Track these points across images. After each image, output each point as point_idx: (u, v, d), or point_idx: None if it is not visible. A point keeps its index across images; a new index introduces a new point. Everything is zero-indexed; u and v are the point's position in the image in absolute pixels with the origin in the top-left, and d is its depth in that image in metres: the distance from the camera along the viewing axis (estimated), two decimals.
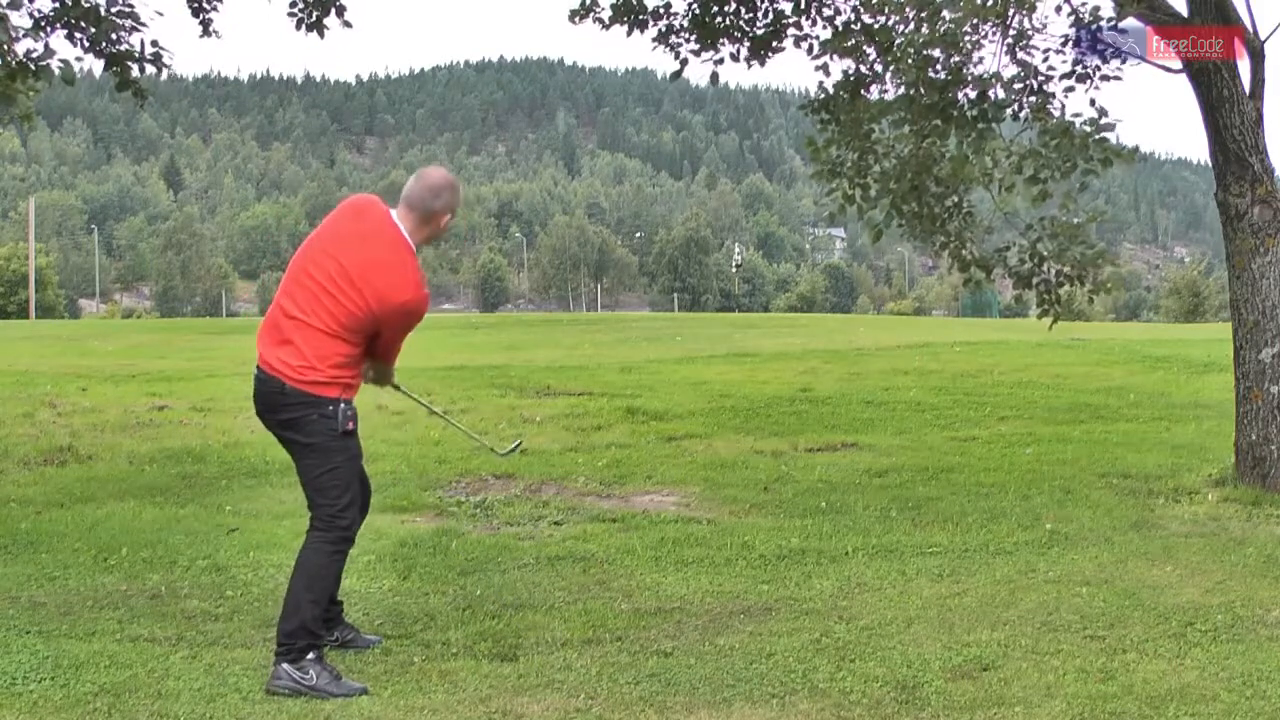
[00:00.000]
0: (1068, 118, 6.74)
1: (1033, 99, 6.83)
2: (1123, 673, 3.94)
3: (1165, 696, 3.71)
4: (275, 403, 4.03)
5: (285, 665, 3.90)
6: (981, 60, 6.87)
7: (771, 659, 4.12)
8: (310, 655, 3.92)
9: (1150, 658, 4.09)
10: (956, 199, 7.64)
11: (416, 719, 3.62)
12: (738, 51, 8.45)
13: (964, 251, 7.67)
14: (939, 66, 6.74)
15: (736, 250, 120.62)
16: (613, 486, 7.46)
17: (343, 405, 3.98)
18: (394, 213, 4.10)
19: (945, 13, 6.50)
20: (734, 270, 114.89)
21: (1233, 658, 4.08)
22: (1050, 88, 6.90)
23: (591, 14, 8.47)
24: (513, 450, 5.60)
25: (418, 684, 3.89)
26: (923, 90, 6.79)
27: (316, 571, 4.03)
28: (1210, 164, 7.24)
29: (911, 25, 6.85)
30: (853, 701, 3.73)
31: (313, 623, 3.97)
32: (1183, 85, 7.26)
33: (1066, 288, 7.43)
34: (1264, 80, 7.10)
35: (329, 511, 4.06)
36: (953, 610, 4.69)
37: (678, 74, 8.56)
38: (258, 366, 4.07)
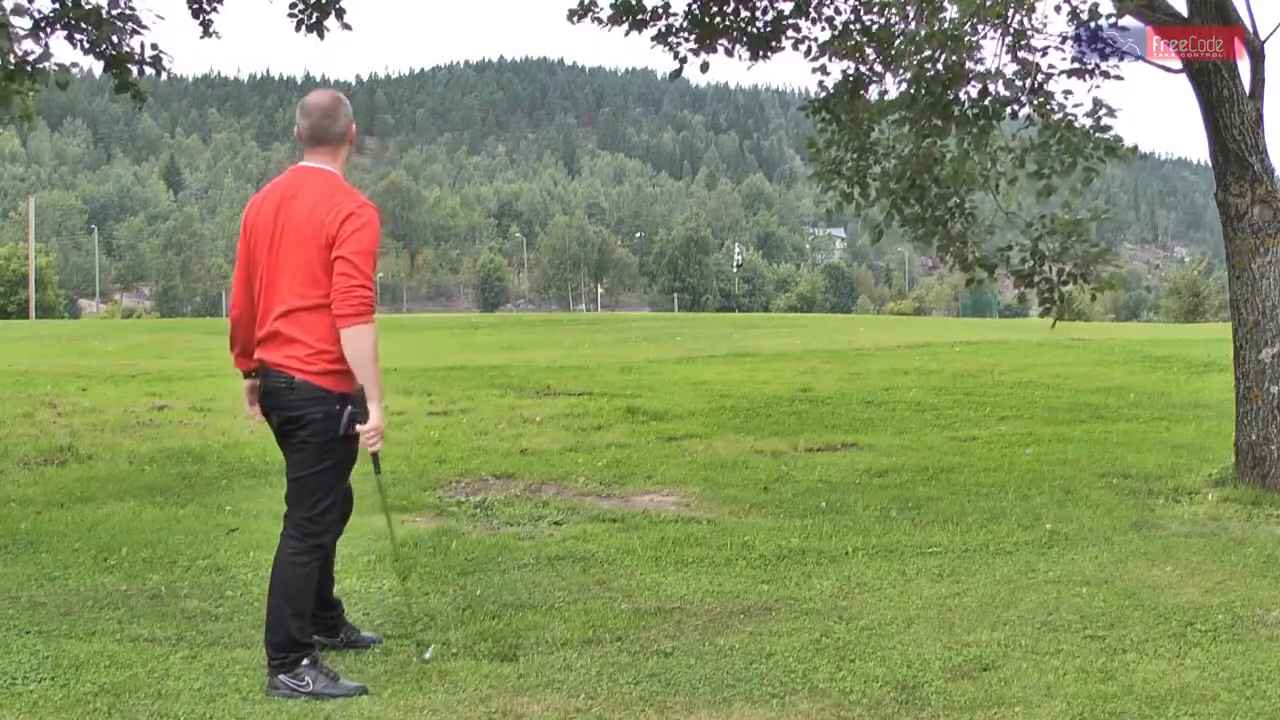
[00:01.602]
0: (1069, 112, 6.76)
1: (1034, 96, 6.83)
2: (1123, 673, 3.94)
3: (1165, 696, 3.71)
4: (282, 399, 3.92)
5: (281, 676, 3.86)
6: (982, 60, 6.88)
7: (771, 659, 4.12)
8: (304, 663, 3.87)
9: (1150, 658, 4.09)
10: (958, 200, 7.64)
11: (416, 719, 3.62)
12: (733, 48, 8.44)
13: (966, 251, 7.68)
14: (939, 63, 6.74)
15: (736, 250, 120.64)
16: (613, 486, 7.46)
17: (349, 407, 3.87)
18: (305, 163, 4.06)
19: (946, 7, 6.50)
20: (734, 270, 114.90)
21: (1233, 658, 4.07)
22: (1050, 86, 6.91)
23: (590, 13, 8.46)
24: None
25: (418, 684, 3.89)
26: (923, 88, 6.80)
27: (292, 584, 3.94)
28: (1210, 164, 7.24)
29: (912, 23, 6.86)
30: (853, 701, 3.73)
31: (299, 633, 3.91)
32: (1183, 85, 7.26)
33: (1069, 286, 7.43)
34: (1264, 80, 7.10)
35: (304, 516, 3.96)
36: (953, 610, 4.69)
37: (677, 73, 8.57)
38: (262, 367, 3.98)
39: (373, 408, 3.84)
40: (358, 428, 3.86)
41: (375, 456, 3.99)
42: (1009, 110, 6.92)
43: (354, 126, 4.14)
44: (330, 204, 3.88)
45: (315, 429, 3.88)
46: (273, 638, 3.90)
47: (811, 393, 11.88)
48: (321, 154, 4.04)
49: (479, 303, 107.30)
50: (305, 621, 3.96)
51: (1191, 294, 59.48)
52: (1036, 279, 7.48)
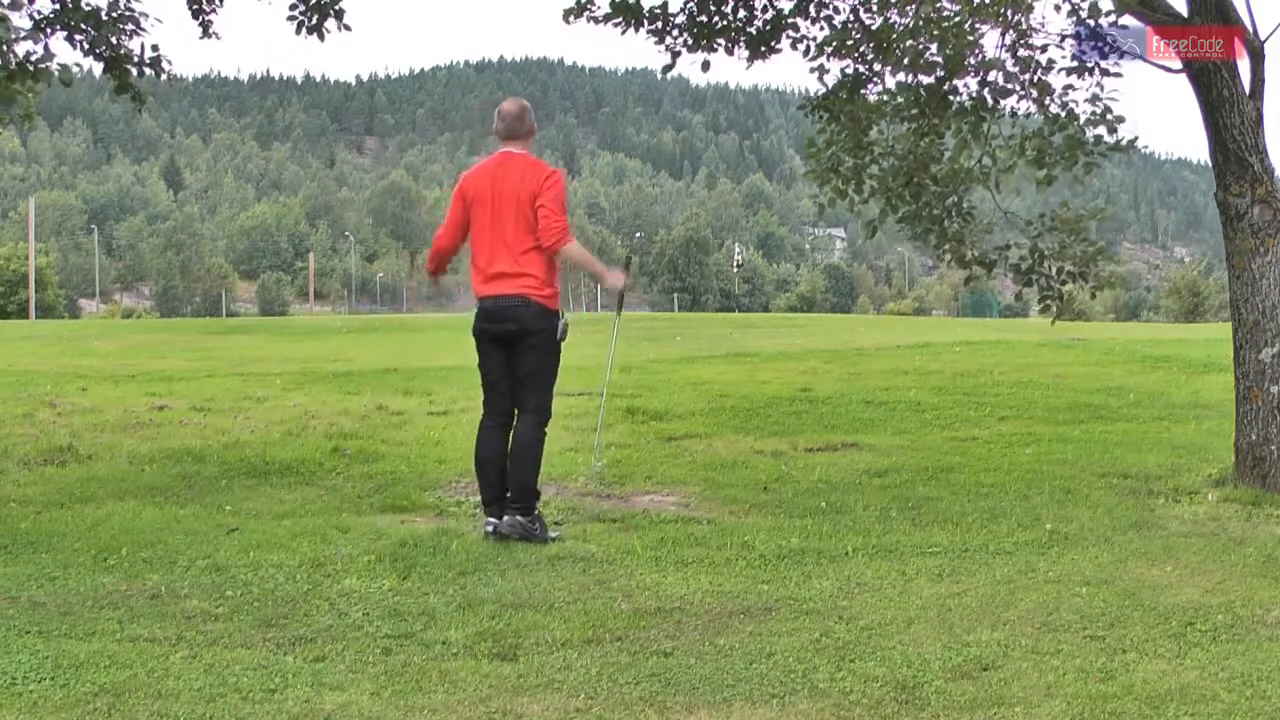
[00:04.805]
0: (1070, 100, 6.77)
1: (1033, 89, 6.83)
2: (1123, 673, 3.94)
3: (1165, 696, 3.70)
4: (518, 315, 5.57)
5: (519, 517, 5.55)
6: (982, 55, 6.88)
7: (771, 659, 4.12)
8: (535, 510, 5.65)
9: (1150, 658, 4.09)
10: (956, 199, 7.64)
11: (416, 719, 3.62)
12: (732, 48, 8.42)
13: (964, 250, 7.68)
14: (934, 53, 6.74)
15: (736, 250, 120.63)
16: (613, 486, 7.46)
17: (561, 321, 5.64)
18: (504, 148, 5.64)
19: (946, 6, 6.51)
20: (734, 270, 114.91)
21: (1233, 658, 4.07)
22: (1051, 79, 6.91)
23: (586, 12, 8.43)
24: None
25: (418, 684, 3.88)
26: (920, 78, 6.79)
27: (537, 451, 5.76)
28: (1210, 164, 7.24)
29: (910, 20, 6.85)
30: (853, 701, 3.73)
31: (535, 484, 5.73)
32: (1183, 85, 7.26)
33: (1069, 285, 7.44)
34: (1264, 80, 7.10)
35: (544, 401, 5.76)
36: (953, 610, 4.68)
37: (669, 67, 8.54)
38: (495, 297, 5.58)
39: (610, 273, 5.83)
40: (612, 282, 5.84)
41: (621, 296, 6.36)
42: (1008, 107, 6.93)
43: (535, 124, 5.78)
44: (534, 172, 5.56)
45: (545, 337, 5.62)
46: (522, 483, 5.64)
47: (811, 393, 11.88)
48: (515, 145, 5.67)
49: None
50: (538, 476, 5.79)
51: (1191, 294, 59.59)
52: (1035, 277, 7.48)
